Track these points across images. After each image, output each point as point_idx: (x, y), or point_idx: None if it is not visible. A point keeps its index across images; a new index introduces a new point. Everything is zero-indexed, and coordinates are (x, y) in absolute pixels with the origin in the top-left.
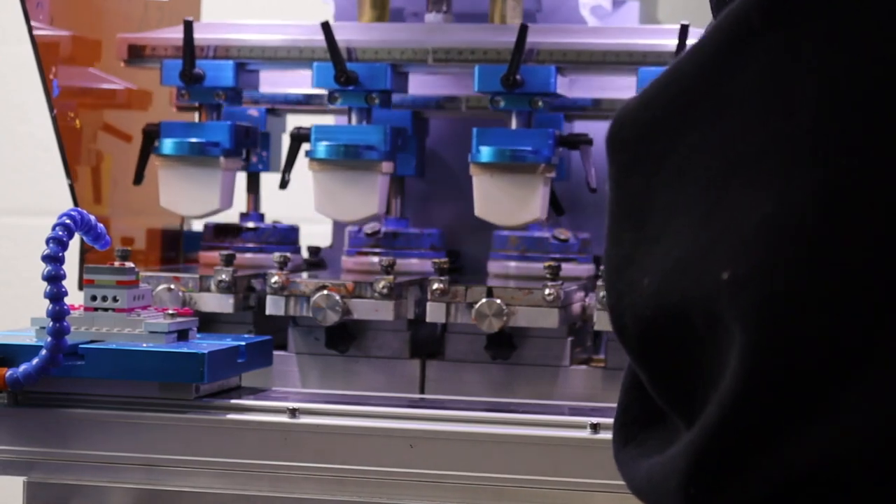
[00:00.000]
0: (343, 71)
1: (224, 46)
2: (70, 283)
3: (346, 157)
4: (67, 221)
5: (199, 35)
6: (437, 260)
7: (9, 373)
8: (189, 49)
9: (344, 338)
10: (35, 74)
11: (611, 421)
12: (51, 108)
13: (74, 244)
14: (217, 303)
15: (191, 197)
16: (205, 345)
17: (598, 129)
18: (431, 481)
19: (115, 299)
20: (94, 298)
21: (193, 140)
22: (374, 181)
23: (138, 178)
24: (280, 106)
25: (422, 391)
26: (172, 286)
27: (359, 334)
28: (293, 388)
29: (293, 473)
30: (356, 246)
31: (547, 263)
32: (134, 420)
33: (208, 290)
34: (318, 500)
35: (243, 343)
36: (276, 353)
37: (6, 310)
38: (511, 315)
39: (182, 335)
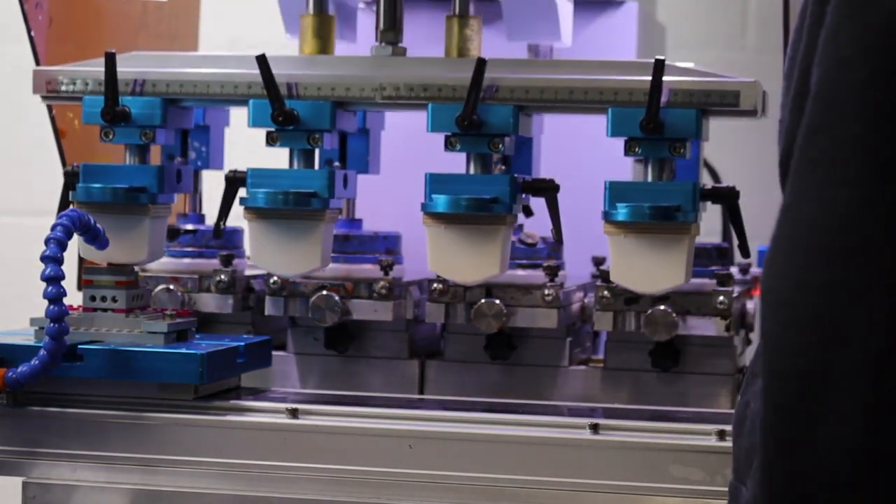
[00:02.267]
0: (281, 110)
1: (151, 81)
2: (69, 283)
3: (286, 206)
4: (66, 222)
5: (123, 68)
6: (383, 258)
7: (8, 373)
8: (112, 84)
9: (343, 338)
10: None
11: (610, 421)
12: (49, 109)
13: (72, 246)
14: (216, 303)
15: (116, 247)
16: (204, 345)
17: (569, 122)
18: (431, 481)
19: (114, 300)
20: (93, 299)
21: (117, 186)
22: (317, 232)
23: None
24: (220, 105)
25: (421, 391)
26: (171, 287)
27: (358, 335)
28: (292, 389)
29: (293, 473)
30: None
31: (546, 264)
32: (133, 420)
33: (208, 290)
34: (318, 500)
35: (242, 344)
36: (275, 353)
37: (6, 310)
38: (510, 315)
39: (181, 336)
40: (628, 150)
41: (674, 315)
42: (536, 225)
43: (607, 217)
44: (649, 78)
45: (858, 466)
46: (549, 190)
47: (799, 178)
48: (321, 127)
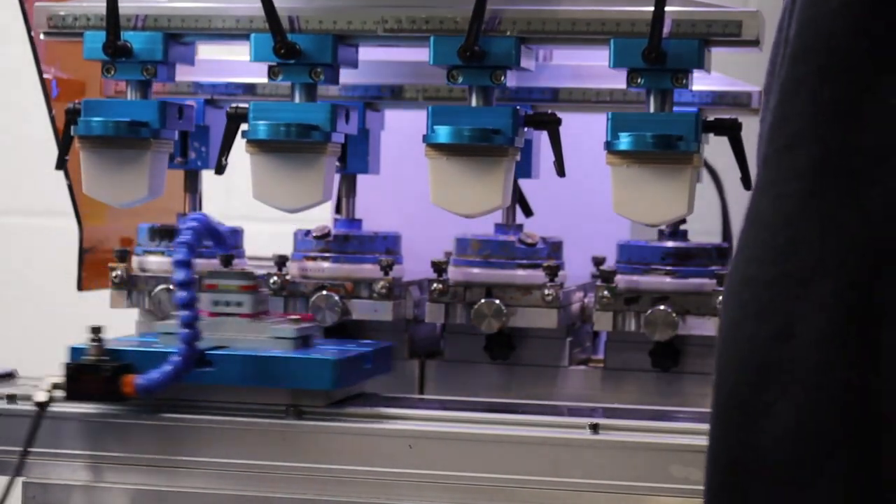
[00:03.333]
0: (283, 42)
1: (152, 16)
2: (69, 283)
3: (288, 138)
4: (196, 225)
5: (125, 3)
6: (383, 258)
7: (137, 380)
8: (113, 19)
9: (343, 338)
10: (34, 74)
11: (610, 421)
12: (49, 109)
13: (72, 246)
14: None
15: (116, 183)
16: (333, 351)
17: (569, 119)
18: (431, 481)
19: (238, 304)
20: (216, 303)
21: (119, 120)
22: (319, 165)
23: (60, 163)
24: (220, 96)
25: (421, 391)
26: (171, 286)
27: (358, 335)
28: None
29: (293, 474)
30: (303, 250)
31: (546, 264)
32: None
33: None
34: (318, 500)
35: (370, 349)
36: None
37: (6, 310)
38: (510, 315)
39: (305, 341)
40: (630, 82)
41: (674, 315)
42: (536, 225)
43: (609, 147)
44: (651, 9)
45: (798, 457)
46: (551, 123)
47: (759, 174)
48: (323, 60)
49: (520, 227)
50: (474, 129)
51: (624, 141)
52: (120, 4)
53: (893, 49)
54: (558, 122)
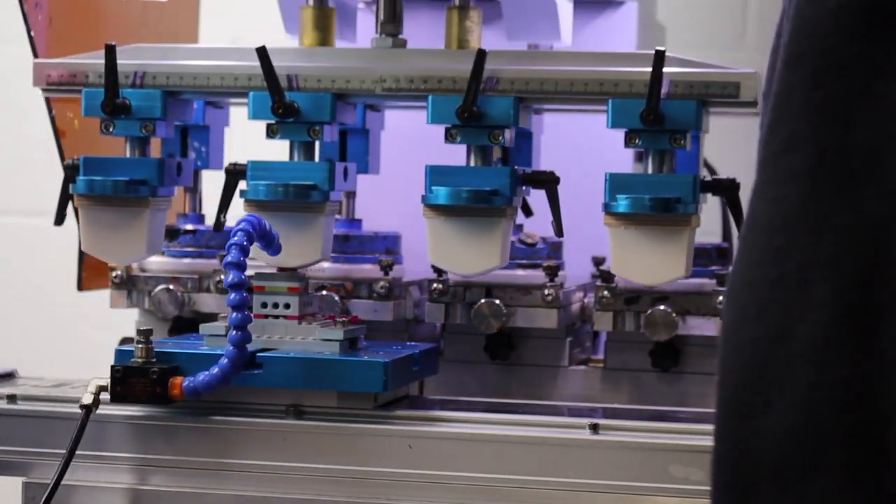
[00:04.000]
0: (282, 102)
1: (151, 73)
2: (70, 283)
3: (286, 199)
4: (248, 227)
5: (124, 60)
6: (383, 258)
7: (186, 382)
8: (112, 76)
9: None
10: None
11: (610, 421)
12: (49, 109)
13: (72, 246)
14: (216, 303)
15: (115, 241)
16: (382, 353)
17: (569, 121)
18: (431, 481)
19: (286, 306)
20: (264, 305)
21: (117, 179)
22: (317, 224)
23: (58, 220)
24: (221, 98)
25: (421, 391)
26: (171, 287)
27: None
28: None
29: (293, 474)
30: None
31: (546, 264)
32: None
33: (207, 290)
34: (318, 500)
35: (417, 351)
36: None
37: (6, 310)
38: (510, 315)
39: (352, 343)
40: (629, 142)
41: (674, 315)
42: (536, 225)
43: (608, 209)
44: (649, 69)
45: (798, 457)
46: (549, 182)
47: (757, 178)
48: (321, 119)
49: (520, 227)
50: (472, 191)
51: (622, 203)
52: (119, 62)
53: (886, 51)
54: (556, 181)
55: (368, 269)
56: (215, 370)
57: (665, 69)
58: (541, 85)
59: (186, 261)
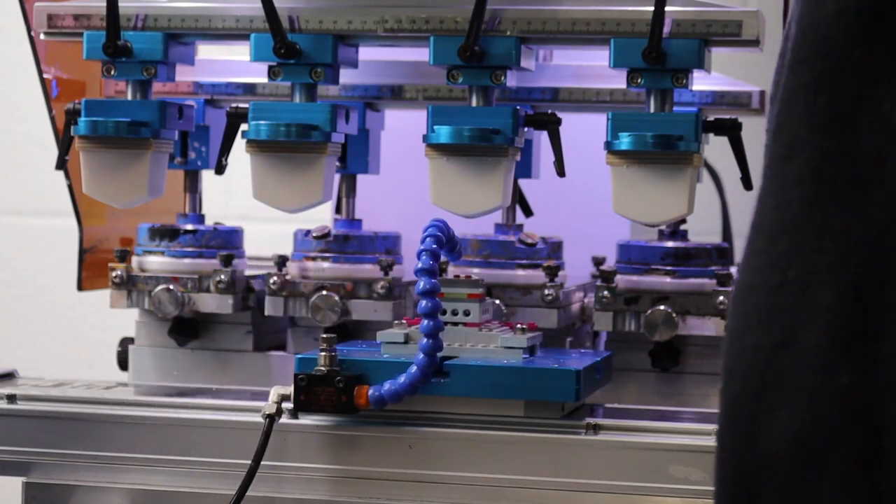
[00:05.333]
0: (283, 42)
1: (152, 16)
2: (70, 283)
3: (288, 139)
4: (436, 232)
5: (125, 3)
6: (382, 258)
7: (372, 391)
8: (113, 19)
9: (343, 338)
10: (34, 74)
11: (610, 421)
12: (49, 109)
13: (72, 246)
14: (216, 303)
15: (116, 184)
16: (570, 360)
17: (569, 122)
18: (431, 481)
19: (466, 313)
20: (444, 312)
21: (119, 120)
22: (319, 165)
23: (60, 163)
24: (220, 96)
25: None
26: (171, 287)
27: (358, 334)
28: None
29: (293, 474)
30: (303, 250)
31: (546, 264)
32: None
33: (207, 290)
34: (318, 500)
35: (601, 358)
36: (274, 353)
37: (6, 310)
38: (510, 316)
39: (532, 350)
40: (631, 82)
41: (674, 315)
42: (536, 225)
43: (609, 147)
44: (651, 8)
45: (801, 462)
46: (551, 123)
47: (762, 183)
48: (323, 60)
49: (520, 227)
50: (474, 129)
51: (624, 141)
52: (120, 4)
53: (887, 56)
54: (558, 122)
55: (368, 269)
56: (402, 379)
57: (667, 8)
58: (543, 25)
59: (186, 261)
